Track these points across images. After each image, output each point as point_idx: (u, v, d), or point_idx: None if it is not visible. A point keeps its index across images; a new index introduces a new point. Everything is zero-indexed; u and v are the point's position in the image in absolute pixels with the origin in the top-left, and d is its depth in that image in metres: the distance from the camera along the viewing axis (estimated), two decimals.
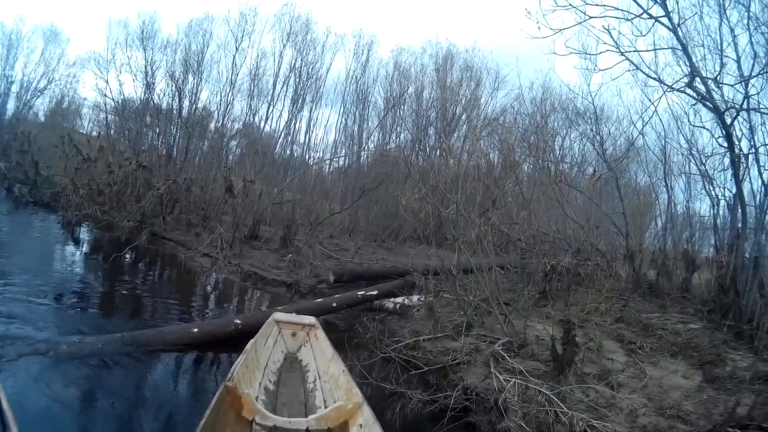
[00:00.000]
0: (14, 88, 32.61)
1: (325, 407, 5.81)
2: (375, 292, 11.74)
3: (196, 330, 8.53)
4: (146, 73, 24.05)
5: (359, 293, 11.60)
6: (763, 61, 9.66)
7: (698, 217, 13.21)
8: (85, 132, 29.34)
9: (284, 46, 25.23)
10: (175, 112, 23.72)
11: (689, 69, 9.93)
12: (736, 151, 9.85)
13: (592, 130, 14.21)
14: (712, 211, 11.44)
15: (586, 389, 6.61)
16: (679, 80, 10.36)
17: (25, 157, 24.09)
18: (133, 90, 27.31)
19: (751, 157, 10.04)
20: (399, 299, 11.44)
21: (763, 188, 9.90)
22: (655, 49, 10.74)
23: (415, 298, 11.21)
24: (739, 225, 9.99)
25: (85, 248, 16.16)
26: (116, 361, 7.14)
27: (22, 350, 6.75)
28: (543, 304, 10.43)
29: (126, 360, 7.24)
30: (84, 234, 17.60)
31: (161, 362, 7.62)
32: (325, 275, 13.59)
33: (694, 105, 10.77)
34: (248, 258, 15.95)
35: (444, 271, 10.41)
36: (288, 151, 26.46)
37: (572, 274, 10.96)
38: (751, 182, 10.24)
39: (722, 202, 11.14)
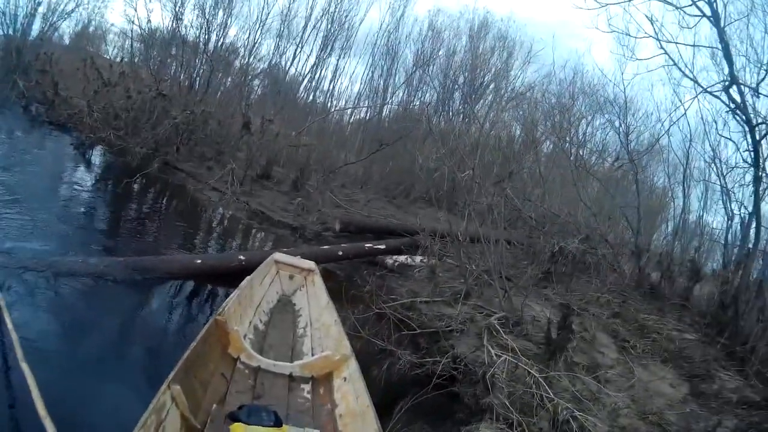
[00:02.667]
0: (41, 9, 32.16)
1: (312, 355, 5.79)
2: (382, 247, 11.74)
3: (199, 261, 8.66)
4: (176, 3, 23.76)
5: (367, 245, 11.60)
6: None
7: (710, 229, 13.15)
8: (109, 57, 29.01)
9: None
10: (201, 45, 23.33)
11: (728, 72, 9.80)
12: (761, 168, 9.74)
13: (619, 118, 14.04)
14: (725, 224, 11.39)
15: (573, 379, 6.52)
16: (716, 84, 10.27)
17: (45, 77, 23.59)
18: (161, 20, 27.22)
19: None
20: (401, 257, 11.48)
21: None
22: (695, 45, 10.72)
23: (418, 258, 11.23)
24: (750, 244, 9.90)
25: (96, 171, 16.09)
26: (117, 284, 7.20)
27: (25, 265, 6.80)
28: (544, 286, 10.40)
29: (126, 284, 7.30)
30: (96, 157, 17.45)
31: (160, 289, 7.71)
32: (331, 223, 13.61)
33: (727, 112, 10.55)
34: (257, 197, 15.91)
35: (451, 236, 10.25)
36: (311, 97, 26.39)
37: (577, 260, 10.88)
38: None
39: (737, 218, 11.04)
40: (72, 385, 4.63)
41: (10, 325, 4.77)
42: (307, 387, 5.14)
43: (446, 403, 6.23)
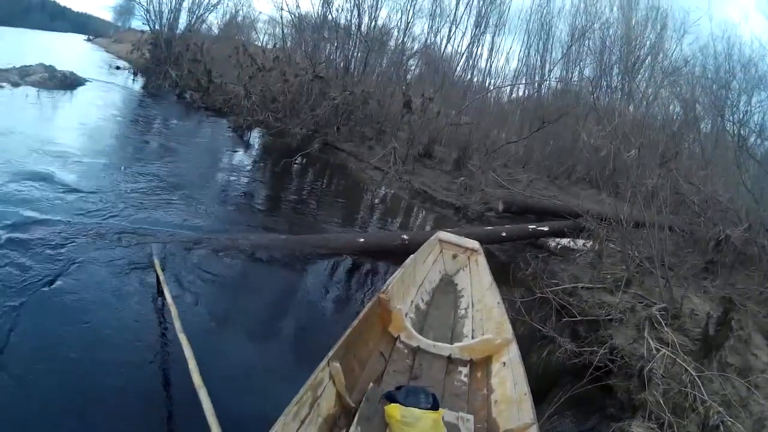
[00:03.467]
0: (185, 3, 33.38)
1: (472, 337, 5.77)
2: (546, 229, 11.63)
3: (362, 240, 8.93)
4: None
5: (530, 227, 11.51)
6: None
7: None
8: (260, 45, 29.93)
9: None
10: (354, 27, 23.69)
11: None
12: None
13: None
14: None
15: (725, 381, 6.07)
16: None
17: (198, 66, 24.84)
18: (310, 5, 28.14)
19: None
20: (563, 240, 11.33)
21: None
22: None
23: (580, 242, 11.06)
24: None
25: (255, 152, 16.92)
26: (276, 261, 7.66)
27: (188, 241, 7.36)
28: (704, 277, 9.90)
29: (287, 261, 7.74)
30: (255, 139, 18.30)
31: (320, 267, 8.01)
32: (494, 203, 13.57)
33: None
34: (419, 176, 16.20)
35: (614, 220, 9.93)
36: (468, 75, 26.22)
37: (739, 251, 10.29)
38: None
39: None
40: (228, 358, 5.04)
41: (169, 299, 5.07)
42: (464, 370, 5.11)
43: (598, 396, 6.08)
